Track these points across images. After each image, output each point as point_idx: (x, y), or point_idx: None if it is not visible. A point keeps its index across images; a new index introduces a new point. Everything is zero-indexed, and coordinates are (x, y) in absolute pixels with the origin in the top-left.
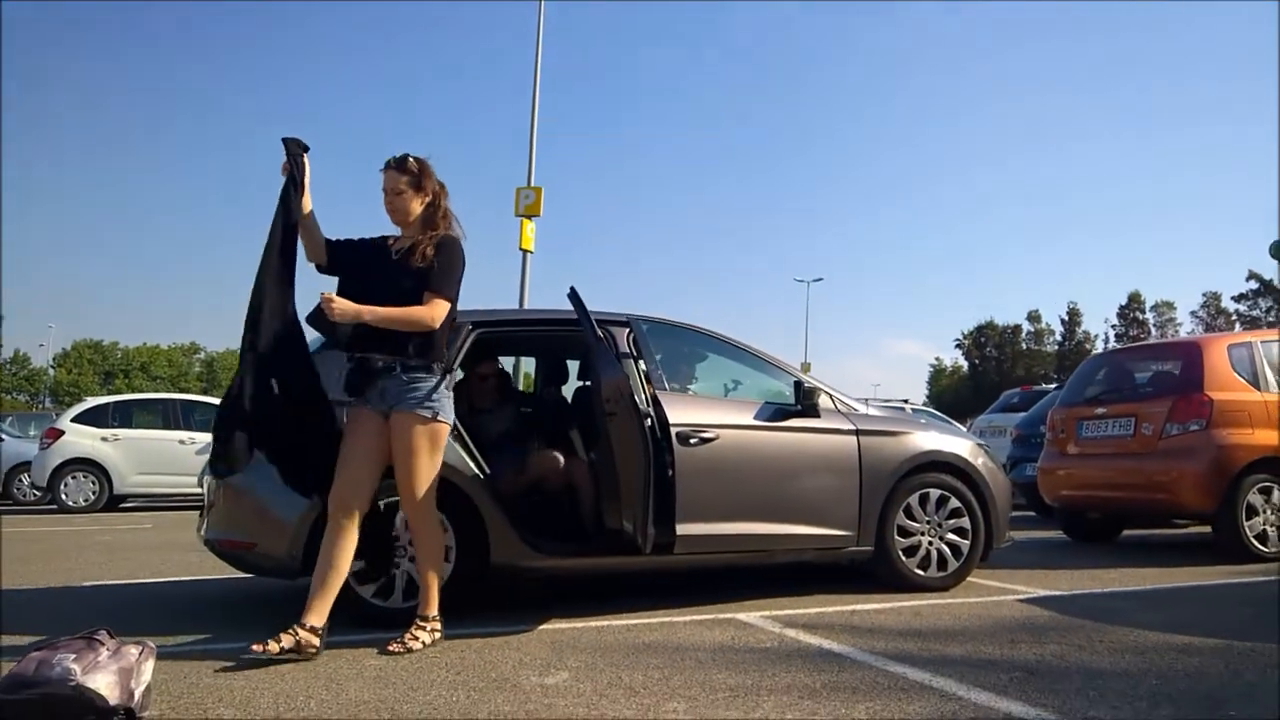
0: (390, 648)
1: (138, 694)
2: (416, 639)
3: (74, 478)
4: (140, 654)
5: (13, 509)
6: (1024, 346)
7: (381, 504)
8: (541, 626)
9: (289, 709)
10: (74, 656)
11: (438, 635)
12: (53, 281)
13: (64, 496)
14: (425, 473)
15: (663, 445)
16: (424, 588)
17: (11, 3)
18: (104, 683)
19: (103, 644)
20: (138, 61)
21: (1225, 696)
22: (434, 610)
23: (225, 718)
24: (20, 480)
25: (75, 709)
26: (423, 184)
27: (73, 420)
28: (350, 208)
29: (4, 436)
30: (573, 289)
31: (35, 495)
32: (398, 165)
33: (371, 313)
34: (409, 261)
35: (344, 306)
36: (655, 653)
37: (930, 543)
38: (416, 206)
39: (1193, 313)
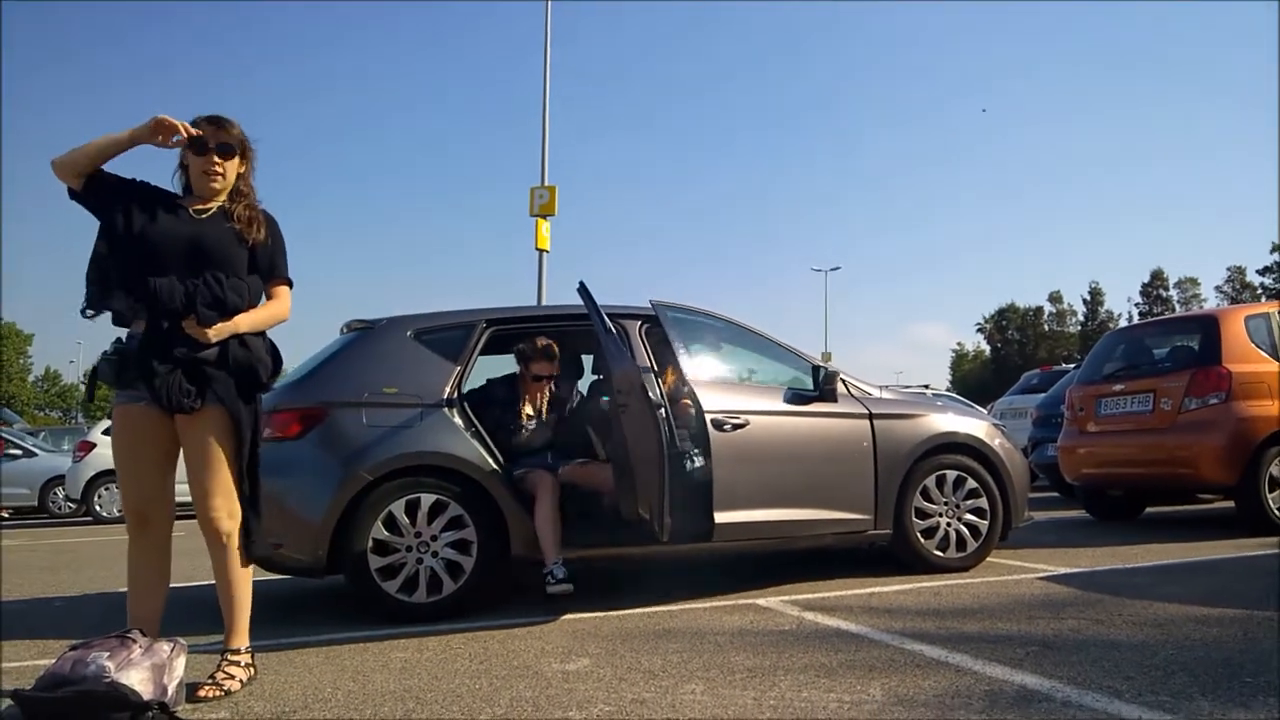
0: (201, 693)
1: (171, 689)
2: (232, 678)
3: (107, 489)
4: (172, 651)
5: (48, 522)
6: (1046, 328)
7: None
8: (563, 617)
9: (317, 700)
10: (108, 654)
11: (253, 671)
12: (80, 300)
13: (98, 508)
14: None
15: (675, 434)
16: (235, 616)
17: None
18: (137, 679)
19: (135, 642)
20: (165, 66)
21: (1241, 664)
22: (246, 640)
23: (256, 711)
24: (55, 493)
25: (110, 705)
26: (245, 148)
27: (104, 433)
28: (364, 220)
29: (37, 451)
30: (582, 283)
31: (70, 508)
32: (225, 125)
33: (249, 322)
34: (237, 235)
35: (221, 330)
36: (675, 638)
37: (948, 524)
38: (233, 174)
39: (1217, 288)
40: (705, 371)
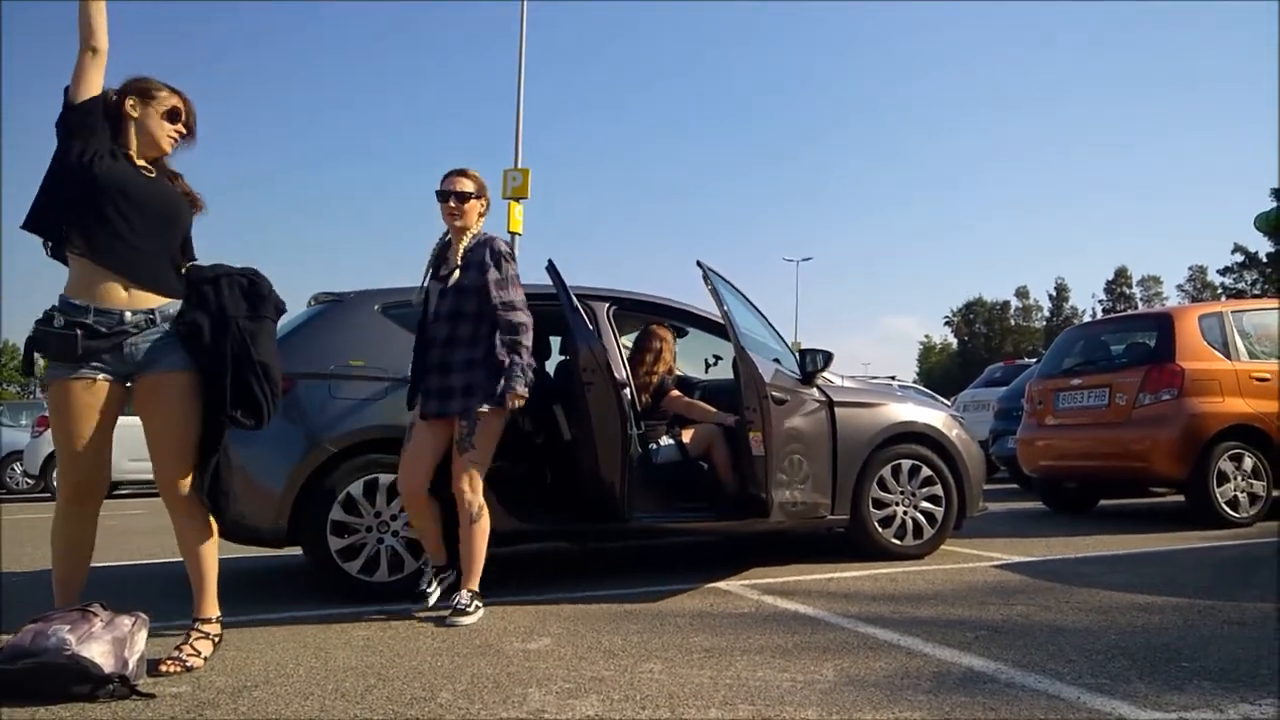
0: (163, 667)
1: (132, 663)
2: (197, 654)
3: None
4: (133, 625)
5: (6, 497)
6: (1012, 322)
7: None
8: (526, 599)
9: (279, 675)
10: (69, 627)
11: (219, 640)
12: (37, 275)
13: (56, 483)
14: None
15: (638, 416)
16: (205, 584)
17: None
18: (98, 651)
19: (96, 615)
20: (143, 57)
21: (1179, 649)
22: (217, 609)
23: (217, 684)
24: (13, 469)
25: (70, 677)
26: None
27: None
28: (333, 198)
29: None
30: (550, 262)
31: (28, 484)
32: (192, 108)
33: None
34: (189, 204)
35: None
36: (636, 619)
37: (905, 512)
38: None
39: (1179, 286)
40: (752, 343)
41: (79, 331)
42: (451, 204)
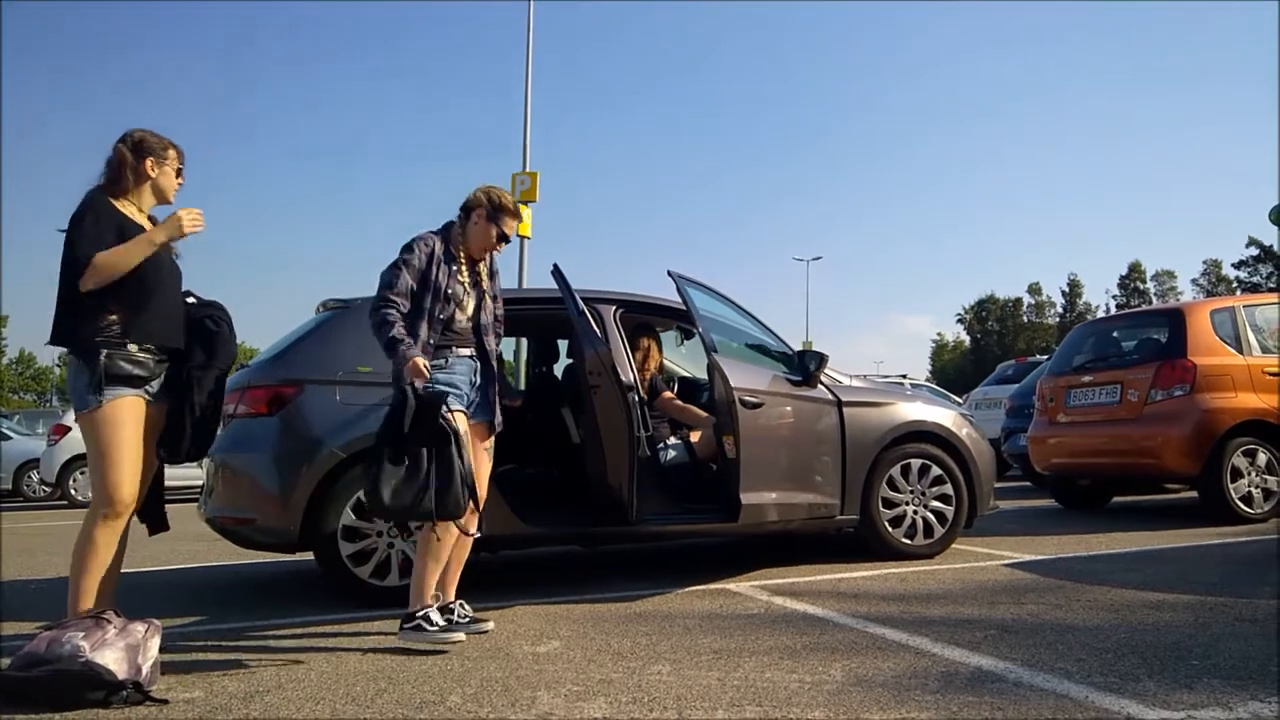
0: None
1: (145, 669)
2: None
3: (82, 473)
4: (147, 631)
5: (23, 505)
6: (1025, 319)
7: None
8: (536, 601)
9: (290, 680)
10: (83, 634)
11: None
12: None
13: (73, 492)
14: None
15: (647, 418)
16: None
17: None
18: (112, 658)
19: (110, 622)
20: (141, 61)
21: (1190, 647)
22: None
23: (230, 689)
24: (29, 477)
25: (85, 683)
26: None
27: None
28: (344, 204)
29: (12, 435)
30: (555, 266)
31: (44, 491)
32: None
33: None
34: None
35: None
36: (645, 621)
37: (915, 511)
38: None
39: (1194, 281)
40: (724, 348)
41: (149, 357)
42: (501, 246)
